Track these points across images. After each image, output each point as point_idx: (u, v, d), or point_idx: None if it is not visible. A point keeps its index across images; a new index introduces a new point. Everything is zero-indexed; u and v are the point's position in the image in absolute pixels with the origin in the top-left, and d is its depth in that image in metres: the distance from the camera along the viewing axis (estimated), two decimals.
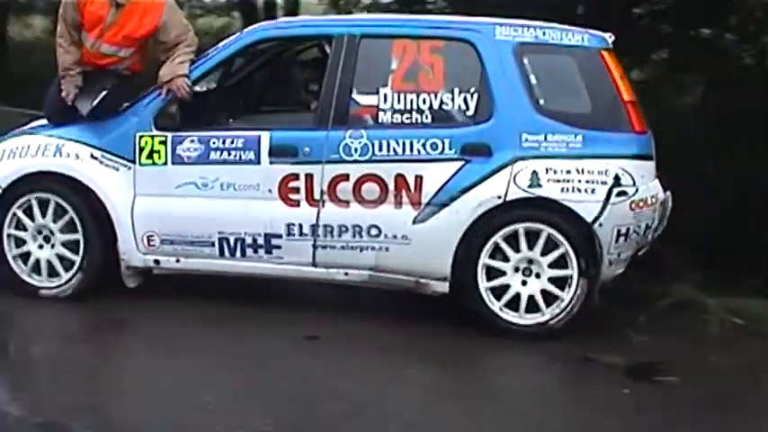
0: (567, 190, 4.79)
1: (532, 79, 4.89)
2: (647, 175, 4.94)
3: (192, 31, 5.49)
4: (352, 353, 4.67)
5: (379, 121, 4.99)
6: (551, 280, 4.90)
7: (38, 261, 5.26)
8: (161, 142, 5.15)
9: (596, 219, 4.80)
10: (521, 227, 4.85)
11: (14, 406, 3.77)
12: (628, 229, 4.87)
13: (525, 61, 4.92)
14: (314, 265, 5.05)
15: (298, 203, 5.02)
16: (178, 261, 5.20)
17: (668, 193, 5.08)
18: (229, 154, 5.08)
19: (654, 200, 4.94)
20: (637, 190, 4.85)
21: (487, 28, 5.01)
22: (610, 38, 5.06)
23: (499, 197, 4.81)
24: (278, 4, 12.12)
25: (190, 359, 4.44)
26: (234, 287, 5.37)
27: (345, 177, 4.93)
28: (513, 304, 4.94)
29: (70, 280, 5.22)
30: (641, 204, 4.89)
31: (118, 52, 5.43)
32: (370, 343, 4.80)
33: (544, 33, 5.01)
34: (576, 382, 4.62)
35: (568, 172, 4.81)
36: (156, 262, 5.21)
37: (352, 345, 4.77)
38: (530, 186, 4.80)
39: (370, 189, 4.93)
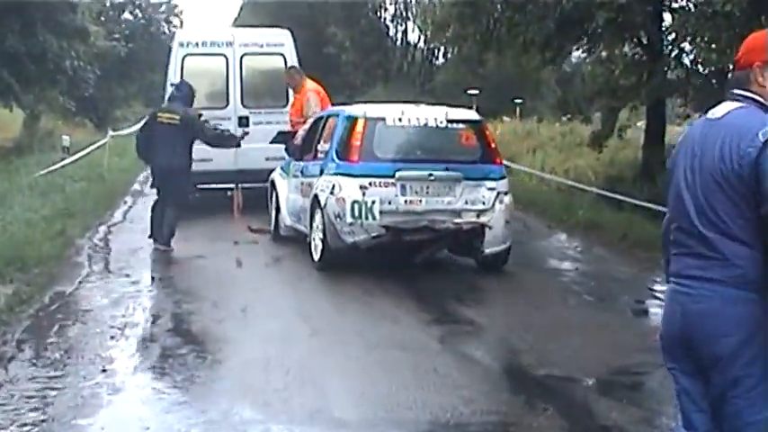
0: None
1: None
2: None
3: (310, 112, 13.91)
4: None
5: None
6: None
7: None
8: (292, 165, 13.12)
9: None
10: None
11: None
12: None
13: None
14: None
15: (304, 196, 12.06)
16: (296, 223, 12.63)
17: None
18: (293, 172, 12.90)
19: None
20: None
21: None
22: None
23: None
24: None
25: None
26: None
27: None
28: None
29: (274, 227, 13.66)
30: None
31: (294, 120, 14.54)
32: None
33: None
34: None
35: None
36: (292, 222, 12.79)
37: None
38: None
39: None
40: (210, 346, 8.06)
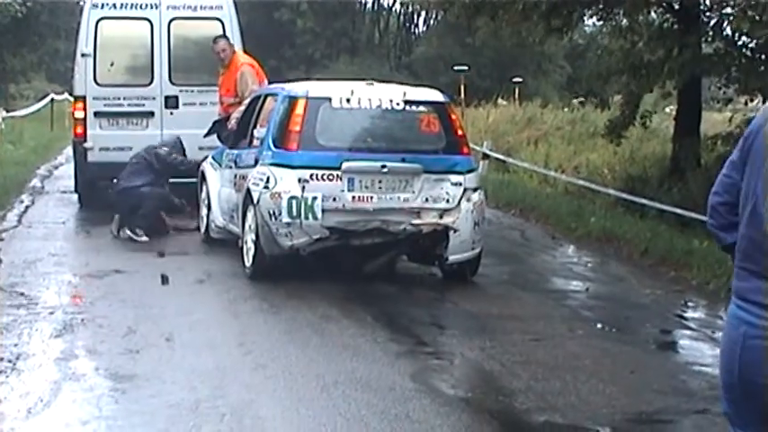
0: None
1: None
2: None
3: (247, 92, 14.34)
4: None
5: None
6: None
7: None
8: (225, 154, 13.85)
9: None
10: None
11: None
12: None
13: None
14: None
15: (238, 190, 12.69)
16: (229, 223, 13.23)
17: None
18: (226, 163, 13.77)
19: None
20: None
21: None
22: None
23: None
24: None
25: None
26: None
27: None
28: None
29: (205, 228, 14.37)
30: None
31: (226, 100, 15.04)
32: None
33: None
34: None
35: None
36: (224, 222, 13.47)
37: None
38: None
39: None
40: (126, 384, 8.00)
